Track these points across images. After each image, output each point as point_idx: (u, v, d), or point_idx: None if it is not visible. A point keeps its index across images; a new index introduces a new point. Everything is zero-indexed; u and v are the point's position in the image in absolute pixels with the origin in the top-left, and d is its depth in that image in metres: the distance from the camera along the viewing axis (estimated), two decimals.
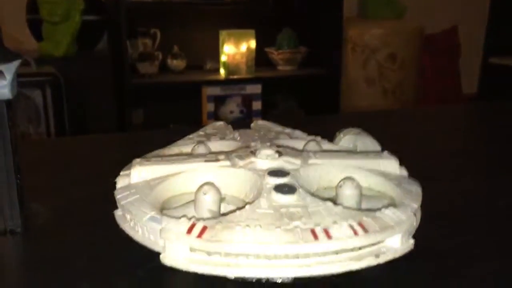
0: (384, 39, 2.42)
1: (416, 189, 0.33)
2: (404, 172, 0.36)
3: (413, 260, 0.29)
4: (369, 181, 0.35)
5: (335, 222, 0.27)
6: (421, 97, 2.65)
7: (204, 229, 0.27)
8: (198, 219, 0.28)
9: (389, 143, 0.42)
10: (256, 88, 2.32)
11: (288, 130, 0.46)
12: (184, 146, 0.41)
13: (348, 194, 0.31)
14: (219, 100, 2.30)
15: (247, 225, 0.27)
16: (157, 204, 0.31)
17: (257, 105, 2.34)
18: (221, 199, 0.31)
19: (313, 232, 0.26)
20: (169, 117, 2.31)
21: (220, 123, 0.49)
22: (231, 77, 2.26)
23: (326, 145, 0.41)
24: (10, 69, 0.32)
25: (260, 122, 0.49)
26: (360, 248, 0.27)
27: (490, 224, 0.37)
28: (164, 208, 0.32)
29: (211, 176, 0.33)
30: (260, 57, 2.32)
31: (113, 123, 2.07)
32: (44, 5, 1.97)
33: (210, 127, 0.48)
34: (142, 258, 0.29)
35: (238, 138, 0.42)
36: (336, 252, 0.27)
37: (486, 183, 0.46)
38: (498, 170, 0.50)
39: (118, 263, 0.31)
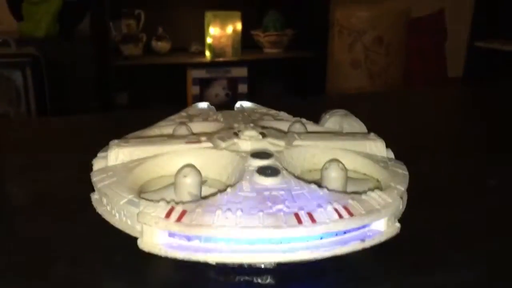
0: (371, 22, 2.40)
1: (402, 171, 0.32)
2: (391, 154, 0.35)
3: (399, 244, 0.28)
4: (355, 163, 0.34)
5: (319, 206, 0.26)
6: (407, 80, 2.65)
7: (183, 213, 0.26)
8: (177, 203, 0.26)
9: (375, 125, 0.41)
10: (242, 71, 2.30)
11: (273, 111, 0.45)
12: (165, 127, 0.40)
13: (333, 177, 0.30)
14: (205, 83, 2.28)
15: (228, 209, 0.26)
16: (135, 187, 0.30)
17: (243, 88, 2.32)
18: (202, 182, 0.30)
19: (296, 216, 0.25)
20: (153, 99, 2.29)
21: (203, 104, 0.47)
22: (217, 59, 2.24)
23: (312, 126, 0.40)
24: None
25: (245, 104, 0.48)
26: (345, 232, 0.26)
27: (480, 206, 0.36)
28: (142, 192, 0.31)
29: (192, 158, 0.32)
30: (246, 40, 2.29)
31: (96, 105, 2.03)
32: None
33: (192, 109, 0.46)
34: (119, 243, 0.28)
35: (221, 120, 0.41)
36: (321, 237, 0.26)
37: (474, 164, 0.46)
38: (486, 151, 0.50)
39: (94, 248, 0.30)
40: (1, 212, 0.33)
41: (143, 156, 0.32)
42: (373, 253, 0.27)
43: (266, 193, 0.27)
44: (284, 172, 0.29)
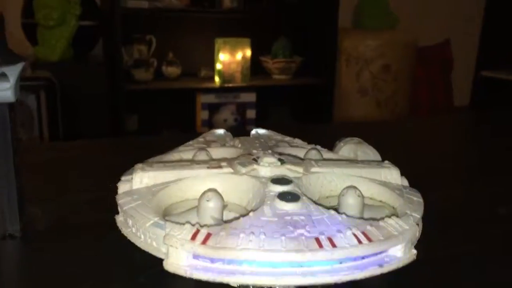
0: (378, 50, 2.43)
1: (417, 199, 0.33)
2: (405, 182, 0.36)
3: (415, 270, 0.29)
4: (371, 191, 0.35)
5: (339, 231, 0.27)
6: (414, 109, 2.67)
7: (208, 235, 0.27)
8: (202, 226, 0.27)
9: (386, 153, 0.42)
10: (251, 97, 2.33)
11: (287, 138, 0.46)
12: (184, 152, 0.41)
13: (351, 203, 0.31)
14: (213, 108, 2.30)
15: (252, 232, 0.27)
16: (159, 210, 0.31)
17: (251, 113, 2.34)
18: (224, 207, 0.31)
19: (317, 240, 0.26)
20: (163, 123, 2.31)
21: (220, 131, 0.49)
22: (226, 85, 2.27)
23: (327, 154, 0.41)
24: (14, 71, 0.31)
25: (260, 131, 0.49)
26: (363, 257, 0.27)
27: (491, 232, 0.37)
28: (166, 215, 0.32)
29: (213, 183, 0.33)
30: (255, 66, 2.32)
31: (107, 129, 2.05)
32: (40, 9, 1.96)
33: (209, 135, 0.48)
34: (144, 264, 0.29)
35: (239, 146, 0.42)
36: (340, 261, 0.27)
37: (485, 190, 0.46)
38: (497, 178, 0.50)
39: (118, 269, 0.30)
40: (25, 236, 0.33)
41: (166, 180, 0.34)
42: (390, 278, 0.28)
43: (287, 217, 0.28)
44: (304, 197, 0.30)
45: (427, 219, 0.32)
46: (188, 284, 0.28)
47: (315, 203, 0.31)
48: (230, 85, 2.27)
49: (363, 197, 0.32)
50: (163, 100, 2.32)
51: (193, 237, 0.27)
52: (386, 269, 0.27)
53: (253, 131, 0.49)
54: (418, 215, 0.31)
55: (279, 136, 0.47)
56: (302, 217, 0.28)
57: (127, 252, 0.30)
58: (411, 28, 2.62)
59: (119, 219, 0.32)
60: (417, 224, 0.30)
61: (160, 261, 0.28)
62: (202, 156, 0.39)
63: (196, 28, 2.35)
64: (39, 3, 1.97)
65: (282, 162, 0.35)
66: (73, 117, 1.89)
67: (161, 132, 2.22)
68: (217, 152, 0.41)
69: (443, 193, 0.44)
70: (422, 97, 2.76)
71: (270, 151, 0.37)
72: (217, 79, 2.29)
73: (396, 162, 0.38)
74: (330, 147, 0.44)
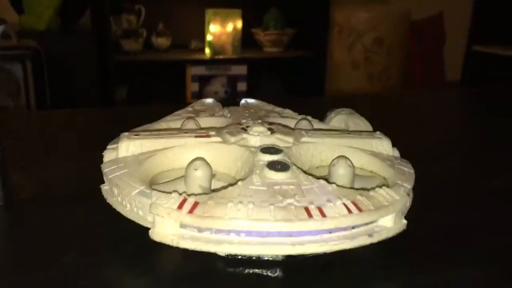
0: (371, 23, 2.41)
1: (409, 170, 0.33)
2: (396, 153, 0.36)
3: (404, 241, 0.29)
4: (361, 161, 0.34)
5: (329, 201, 0.27)
6: (406, 82, 2.66)
7: (195, 204, 0.26)
8: (189, 195, 0.27)
9: (378, 124, 0.42)
10: (242, 69, 2.30)
11: (278, 109, 0.46)
12: (172, 121, 0.40)
13: (342, 173, 0.30)
14: (204, 80, 2.28)
15: (240, 202, 0.26)
16: (145, 179, 0.30)
17: (242, 86, 2.32)
18: (212, 176, 0.30)
19: (307, 210, 0.26)
20: (152, 95, 2.28)
21: (209, 100, 0.48)
22: (216, 57, 2.24)
23: (318, 124, 0.41)
24: None
25: (250, 100, 0.48)
26: (353, 227, 0.27)
27: (483, 205, 0.37)
28: (153, 183, 0.31)
29: (201, 152, 0.33)
30: (246, 38, 2.29)
31: (96, 99, 2.03)
32: None
33: (198, 104, 0.47)
34: (130, 234, 0.29)
35: (228, 115, 0.41)
36: (330, 231, 0.26)
37: (477, 164, 0.46)
38: (488, 151, 0.50)
39: (105, 238, 0.30)
40: (8, 204, 0.33)
41: (153, 149, 0.33)
42: (380, 248, 0.28)
43: (277, 187, 0.28)
44: (294, 167, 0.30)
45: (418, 190, 0.32)
46: (175, 253, 0.28)
47: (305, 173, 0.30)
48: (221, 57, 2.24)
49: (353, 167, 0.31)
50: (153, 71, 2.29)
51: (180, 206, 0.26)
52: (375, 238, 0.27)
53: (243, 101, 0.48)
54: (409, 186, 0.30)
55: (269, 107, 0.46)
56: (292, 187, 0.28)
57: (112, 221, 0.30)
58: (404, 0, 2.59)
59: (105, 188, 0.31)
60: (408, 195, 0.30)
61: (146, 230, 0.27)
62: (190, 125, 0.38)
63: None
64: None
65: (272, 131, 0.34)
66: (61, 87, 1.86)
67: (150, 104, 2.20)
68: (205, 122, 0.40)
69: (435, 164, 0.44)
70: (415, 72, 2.75)
71: (260, 121, 0.37)
72: (207, 50, 2.26)
73: (388, 134, 0.37)
74: (321, 119, 0.43)
